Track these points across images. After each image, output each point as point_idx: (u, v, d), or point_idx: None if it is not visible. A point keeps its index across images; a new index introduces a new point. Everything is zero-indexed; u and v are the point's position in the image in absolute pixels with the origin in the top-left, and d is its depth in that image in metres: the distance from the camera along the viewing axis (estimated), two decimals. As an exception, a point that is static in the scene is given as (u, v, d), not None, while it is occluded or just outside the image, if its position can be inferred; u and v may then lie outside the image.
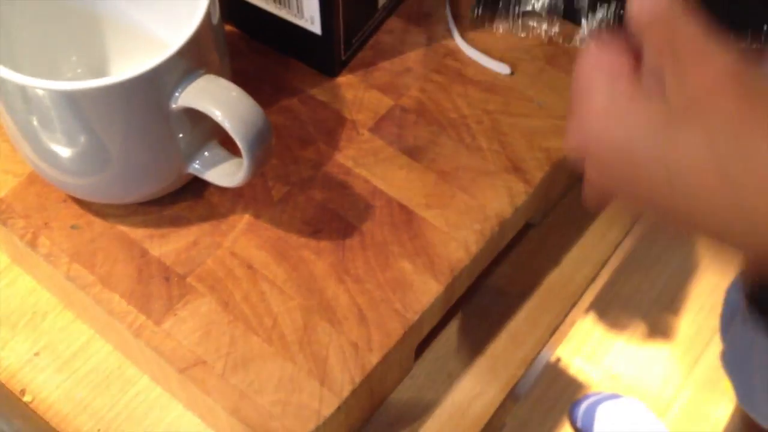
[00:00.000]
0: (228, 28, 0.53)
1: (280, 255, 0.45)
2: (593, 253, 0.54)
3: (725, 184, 0.30)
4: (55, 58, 0.47)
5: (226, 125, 0.38)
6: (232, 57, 0.46)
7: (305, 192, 0.47)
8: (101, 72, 0.49)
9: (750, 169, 0.29)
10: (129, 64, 0.49)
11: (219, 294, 0.44)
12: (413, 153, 0.48)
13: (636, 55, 0.34)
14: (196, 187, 0.46)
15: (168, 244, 0.45)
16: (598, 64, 0.34)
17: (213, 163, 0.43)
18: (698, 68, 0.31)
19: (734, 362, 0.85)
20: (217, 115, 0.38)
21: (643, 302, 1.50)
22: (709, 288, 1.51)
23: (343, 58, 0.51)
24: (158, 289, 0.44)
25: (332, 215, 0.46)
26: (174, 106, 0.39)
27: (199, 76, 0.39)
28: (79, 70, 0.48)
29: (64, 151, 0.41)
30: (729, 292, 0.92)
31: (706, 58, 0.31)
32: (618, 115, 0.32)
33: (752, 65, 0.31)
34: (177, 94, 0.39)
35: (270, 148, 0.40)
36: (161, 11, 0.46)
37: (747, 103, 0.30)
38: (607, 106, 0.33)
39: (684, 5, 0.33)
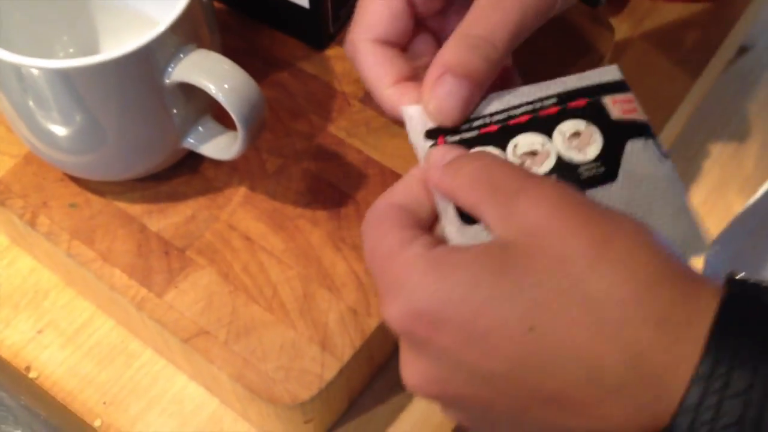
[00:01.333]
0: (216, 4, 0.53)
1: (277, 226, 0.46)
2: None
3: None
4: (47, 38, 0.47)
5: (220, 97, 0.39)
6: (221, 32, 0.47)
7: (299, 164, 0.48)
8: (93, 51, 0.49)
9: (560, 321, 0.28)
10: (119, 42, 0.49)
11: (219, 266, 0.44)
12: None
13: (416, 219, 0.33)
14: (192, 162, 0.47)
15: (166, 219, 0.46)
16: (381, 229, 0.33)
17: (208, 137, 0.44)
18: (524, 198, 0.30)
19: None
20: (211, 88, 0.39)
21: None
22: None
23: (332, 31, 0.51)
24: (158, 263, 0.44)
25: (327, 185, 0.47)
26: (167, 81, 0.40)
27: (192, 50, 0.40)
28: (71, 50, 0.48)
29: (60, 130, 0.41)
30: (708, 259, 0.93)
31: (531, 188, 0.30)
32: (443, 271, 0.30)
33: (577, 194, 0.30)
34: (170, 69, 0.39)
35: (263, 119, 0.41)
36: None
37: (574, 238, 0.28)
38: (425, 268, 0.30)
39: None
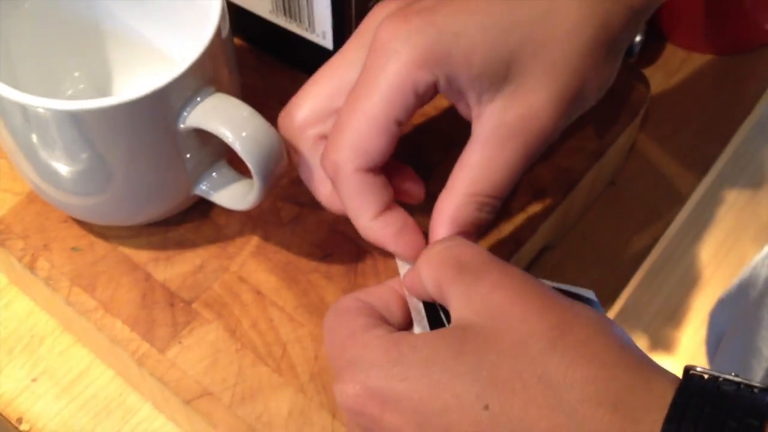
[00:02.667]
0: (236, 41, 0.51)
1: (290, 279, 0.43)
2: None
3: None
4: (57, 73, 0.45)
5: (237, 147, 0.36)
6: (240, 71, 0.45)
7: (315, 213, 0.45)
8: (104, 87, 0.47)
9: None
10: (133, 78, 0.47)
11: (226, 321, 0.42)
12: (429, 172, 0.47)
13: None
14: (203, 207, 0.44)
15: (173, 268, 0.43)
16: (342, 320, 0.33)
17: (221, 185, 0.42)
18: (487, 278, 0.30)
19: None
20: (228, 136, 0.36)
21: (645, 315, 1.48)
22: (711, 300, 1.50)
23: (355, 73, 0.49)
24: (163, 315, 0.42)
25: (343, 238, 0.44)
26: (182, 126, 0.37)
27: (209, 94, 0.38)
28: (81, 86, 0.46)
29: (66, 171, 0.39)
30: (713, 315, 0.91)
31: (495, 270, 0.30)
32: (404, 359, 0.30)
33: (539, 282, 0.31)
34: (185, 113, 0.37)
35: (282, 169, 0.38)
36: (166, 23, 0.44)
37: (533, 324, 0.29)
38: (383, 347, 0.30)
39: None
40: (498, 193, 0.34)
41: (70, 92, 0.46)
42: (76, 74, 0.46)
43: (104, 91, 0.47)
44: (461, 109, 0.35)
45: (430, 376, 0.29)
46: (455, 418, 0.28)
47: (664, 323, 1.49)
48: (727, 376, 0.27)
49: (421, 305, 0.34)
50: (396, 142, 0.35)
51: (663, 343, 1.48)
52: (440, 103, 0.48)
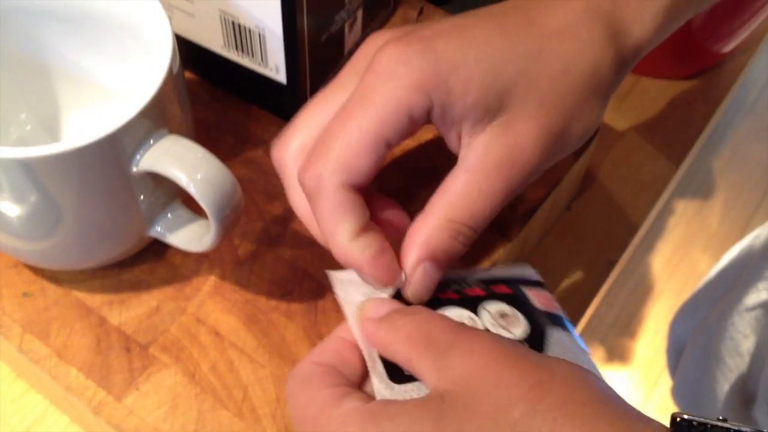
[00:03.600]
0: (187, 75, 0.51)
1: (249, 319, 0.42)
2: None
3: None
4: (2, 116, 0.44)
5: (192, 189, 0.36)
6: (193, 105, 0.44)
7: (273, 250, 0.45)
8: (53, 127, 0.46)
9: None
10: (82, 116, 0.46)
11: (184, 364, 0.41)
12: (410, 202, 0.46)
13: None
14: (158, 247, 0.44)
15: (128, 311, 0.42)
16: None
17: (177, 226, 0.41)
18: (459, 349, 0.30)
19: (686, 397, 0.85)
20: (182, 180, 0.36)
21: (600, 327, 1.50)
22: (665, 310, 1.52)
23: (310, 106, 0.48)
24: (119, 361, 0.41)
25: (303, 275, 0.44)
26: (135, 169, 0.37)
27: (162, 136, 0.37)
28: (28, 127, 0.45)
29: (14, 216, 0.38)
30: (673, 327, 0.92)
31: (465, 339, 0.30)
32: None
33: (512, 343, 0.30)
34: (138, 157, 0.36)
35: (239, 211, 0.38)
36: (114, 59, 0.44)
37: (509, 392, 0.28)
38: (362, 420, 0.30)
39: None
40: (475, 224, 0.34)
41: (15, 136, 0.45)
42: (23, 116, 0.45)
43: (53, 131, 0.46)
44: (450, 138, 0.34)
45: None
46: None
47: (620, 334, 1.51)
48: (716, 423, 0.27)
49: (375, 352, 0.33)
50: (381, 165, 0.34)
51: (619, 354, 1.50)
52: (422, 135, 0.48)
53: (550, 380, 0.28)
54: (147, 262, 0.44)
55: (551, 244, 0.53)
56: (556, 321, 0.36)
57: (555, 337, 0.35)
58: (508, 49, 0.33)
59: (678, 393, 0.87)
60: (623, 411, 0.28)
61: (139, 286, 0.43)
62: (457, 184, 0.33)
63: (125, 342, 0.41)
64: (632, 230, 0.54)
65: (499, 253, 0.45)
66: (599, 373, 0.33)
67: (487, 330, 0.34)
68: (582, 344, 0.36)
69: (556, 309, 0.37)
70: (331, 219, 0.34)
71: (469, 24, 0.34)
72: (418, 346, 0.31)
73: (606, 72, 0.34)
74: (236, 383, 0.40)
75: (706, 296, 0.85)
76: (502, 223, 0.46)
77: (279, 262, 0.44)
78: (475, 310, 0.35)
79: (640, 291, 1.55)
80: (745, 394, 0.68)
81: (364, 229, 0.34)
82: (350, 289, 0.35)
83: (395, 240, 0.36)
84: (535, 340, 0.34)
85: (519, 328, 0.34)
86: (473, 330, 0.31)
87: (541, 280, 0.38)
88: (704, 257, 1.60)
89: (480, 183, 0.33)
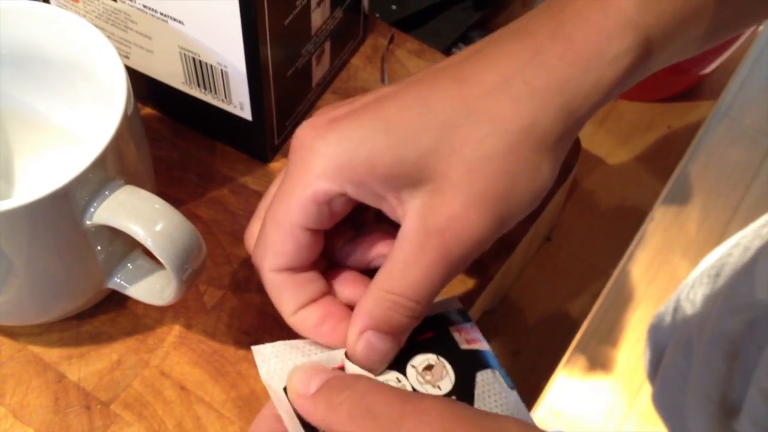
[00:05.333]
0: (148, 110, 0.48)
1: (216, 371, 0.40)
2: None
3: None
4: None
5: (150, 245, 0.34)
6: (152, 143, 0.42)
7: (241, 296, 0.43)
8: (6, 172, 0.43)
9: None
10: (37, 160, 0.44)
11: (148, 422, 0.39)
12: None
13: None
14: (118, 296, 0.41)
15: (88, 366, 0.40)
16: None
17: (137, 277, 0.39)
18: (408, 423, 0.29)
19: (666, 404, 0.84)
20: (139, 234, 0.34)
21: (581, 336, 1.49)
22: (645, 317, 1.51)
23: (277, 142, 0.47)
24: (78, 420, 0.39)
25: (273, 321, 0.42)
26: (89, 222, 0.34)
27: (117, 187, 0.35)
28: (-22, 174, 0.43)
29: (-36, 272, 0.36)
30: (651, 333, 0.91)
31: (412, 412, 0.29)
32: None
33: (459, 408, 0.29)
34: (92, 209, 0.34)
35: (202, 264, 0.36)
36: (66, 100, 0.41)
37: None
38: None
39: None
40: (415, 296, 0.32)
41: (-36, 185, 0.42)
42: (-28, 163, 0.43)
43: (7, 177, 0.43)
44: (387, 211, 0.34)
45: None
46: None
47: (601, 342, 1.50)
48: None
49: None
50: (313, 245, 0.34)
51: (600, 363, 1.49)
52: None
53: None
54: (107, 313, 0.42)
55: (532, 276, 0.51)
56: (481, 360, 0.35)
57: (481, 379, 0.34)
58: (423, 119, 0.32)
59: (659, 402, 0.86)
60: None
61: (99, 339, 0.41)
62: (395, 253, 0.32)
63: (85, 399, 0.39)
64: (615, 259, 0.52)
65: (479, 289, 0.43)
66: (526, 412, 0.35)
67: (415, 391, 0.33)
68: (508, 381, 0.35)
69: (482, 344, 0.36)
70: (273, 298, 0.35)
71: (390, 95, 0.33)
72: (362, 423, 0.29)
73: (549, 127, 0.32)
74: (204, 441, 0.38)
75: (684, 301, 0.84)
76: (481, 258, 0.44)
77: (248, 308, 0.42)
78: (401, 369, 0.34)
79: (621, 298, 1.55)
80: (726, 405, 0.67)
81: (307, 303, 0.34)
82: (274, 364, 0.34)
83: None
84: (464, 390, 0.34)
85: (445, 380, 0.34)
86: (418, 398, 0.30)
87: (465, 310, 0.37)
88: (684, 263, 1.59)
89: (415, 252, 0.32)
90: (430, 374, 0.34)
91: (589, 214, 0.53)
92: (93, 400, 0.39)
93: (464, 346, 0.35)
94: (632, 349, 1.48)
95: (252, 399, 0.40)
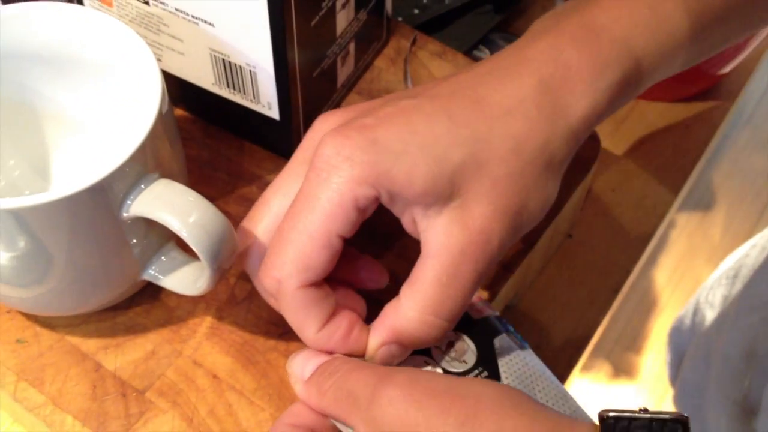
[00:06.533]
0: (180, 112, 0.50)
1: (247, 360, 0.42)
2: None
3: None
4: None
5: (185, 235, 0.35)
6: (184, 143, 0.43)
7: (270, 289, 0.44)
8: (43, 172, 0.45)
9: None
10: (73, 161, 0.45)
11: (182, 409, 0.40)
12: (382, 240, 0.46)
13: None
14: (152, 289, 0.43)
15: (124, 356, 0.42)
16: None
17: (171, 269, 0.40)
18: (380, 399, 0.30)
19: (687, 406, 0.84)
20: (174, 224, 0.35)
21: (605, 342, 1.49)
22: (670, 324, 1.51)
23: (303, 141, 0.48)
24: (115, 407, 0.40)
25: (300, 313, 0.43)
26: (126, 215, 0.36)
27: (153, 180, 0.36)
28: (17, 173, 0.44)
29: (6, 264, 0.37)
30: (672, 336, 0.91)
31: (383, 387, 0.31)
32: None
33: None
34: (129, 202, 0.36)
35: (233, 254, 0.37)
36: (102, 101, 0.43)
37: None
38: None
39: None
40: (449, 316, 0.33)
41: (3, 183, 0.44)
42: (12, 162, 0.44)
43: (43, 173, 0.45)
44: (406, 221, 0.35)
45: None
46: None
47: (626, 349, 1.50)
48: (639, 414, 0.28)
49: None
50: (339, 254, 0.34)
51: (625, 369, 1.49)
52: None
53: (477, 409, 0.29)
54: (142, 305, 0.43)
55: (553, 273, 0.52)
56: (494, 326, 0.36)
57: (499, 345, 0.36)
58: (453, 133, 0.33)
59: (680, 403, 0.86)
60: (553, 421, 0.29)
61: (134, 330, 0.42)
62: (426, 273, 0.33)
63: (121, 387, 0.41)
64: (635, 256, 0.53)
65: (501, 284, 0.45)
66: (542, 364, 0.36)
67: (444, 370, 0.35)
68: (520, 339, 0.36)
69: (489, 311, 0.37)
70: (296, 317, 0.35)
71: (413, 108, 0.34)
72: (345, 407, 0.31)
73: (557, 147, 0.34)
74: (236, 427, 0.40)
75: (704, 302, 0.84)
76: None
77: (276, 300, 0.43)
78: (426, 352, 0.35)
79: (645, 305, 1.54)
80: (745, 404, 0.68)
81: (326, 320, 0.35)
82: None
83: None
84: (487, 359, 0.35)
85: (469, 353, 0.35)
86: (388, 373, 0.31)
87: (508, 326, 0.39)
88: (708, 269, 1.59)
89: (449, 270, 0.33)
90: (453, 351, 0.35)
91: (609, 212, 0.54)
92: (129, 388, 0.41)
93: (476, 316, 0.36)
94: (657, 356, 1.48)
95: (281, 387, 0.41)
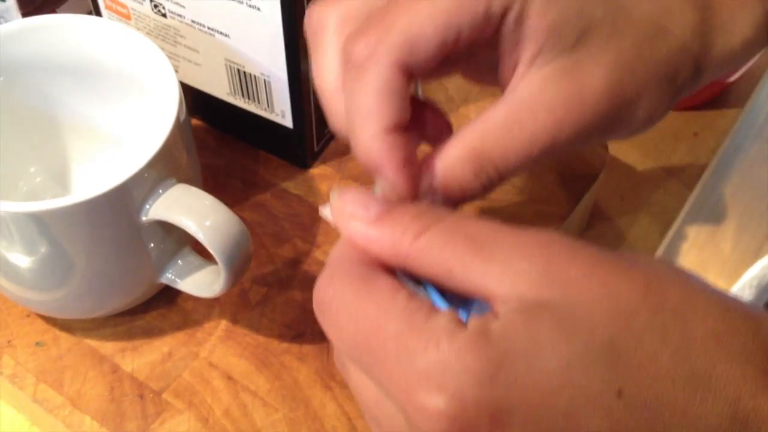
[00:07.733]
0: (195, 122, 0.51)
1: (261, 363, 0.43)
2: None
3: None
4: (11, 170, 0.45)
5: (201, 237, 0.36)
6: (199, 152, 0.44)
7: (284, 293, 0.45)
8: (62, 178, 0.46)
9: None
10: (91, 166, 0.47)
11: (198, 410, 0.41)
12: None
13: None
14: (169, 293, 0.44)
15: (141, 358, 0.43)
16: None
17: (187, 272, 0.41)
18: (529, 243, 0.26)
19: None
20: (191, 227, 0.36)
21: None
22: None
23: (316, 149, 0.49)
24: (132, 408, 0.41)
25: (314, 317, 0.44)
26: (144, 219, 0.37)
27: (170, 186, 0.37)
28: (38, 179, 0.46)
29: (26, 268, 0.38)
30: None
31: (529, 236, 0.26)
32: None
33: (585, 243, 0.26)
34: (147, 207, 0.37)
35: (248, 257, 0.38)
36: (120, 110, 0.44)
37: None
38: (466, 345, 0.23)
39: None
40: (504, 165, 0.29)
41: (25, 189, 0.45)
42: (33, 169, 0.45)
43: (63, 182, 0.46)
44: (504, 64, 0.30)
45: (541, 373, 0.23)
46: (588, 416, 0.23)
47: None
48: None
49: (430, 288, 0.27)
50: (436, 63, 0.29)
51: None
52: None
53: (659, 280, 0.24)
54: (158, 308, 0.44)
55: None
56: None
57: None
58: None
59: None
60: (733, 304, 0.24)
61: (151, 333, 0.43)
62: (497, 114, 0.29)
63: (138, 389, 0.42)
64: (642, 262, 0.54)
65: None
66: None
67: None
68: None
69: None
70: (369, 100, 0.28)
71: None
72: (470, 250, 0.25)
73: (682, 75, 0.31)
74: (250, 427, 0.40)
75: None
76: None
77: (290, 304, 0.44)
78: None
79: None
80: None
81: (399, 127, 0.29)
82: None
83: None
84: None
85: None
86: (529, 230, 0.26)
87: None
88: (719, 282, 1.59)
89: (524, 120, 0.29)
90: None
91: (618, 219, 0.55)
92: (146, 390, 0.41)
93: None
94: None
95: (295, 389, 0.42)
